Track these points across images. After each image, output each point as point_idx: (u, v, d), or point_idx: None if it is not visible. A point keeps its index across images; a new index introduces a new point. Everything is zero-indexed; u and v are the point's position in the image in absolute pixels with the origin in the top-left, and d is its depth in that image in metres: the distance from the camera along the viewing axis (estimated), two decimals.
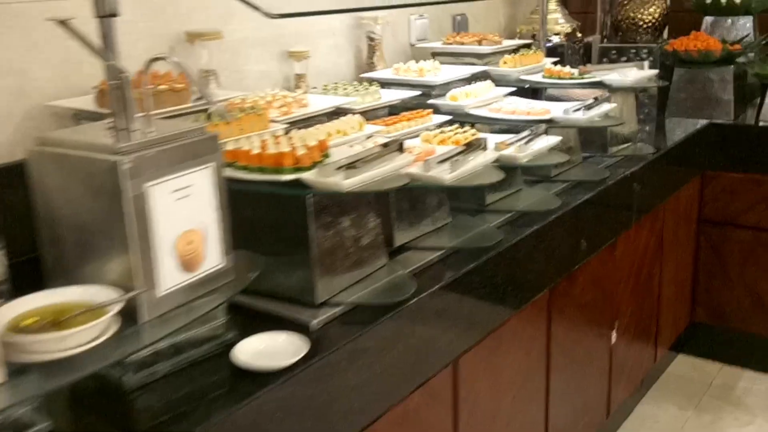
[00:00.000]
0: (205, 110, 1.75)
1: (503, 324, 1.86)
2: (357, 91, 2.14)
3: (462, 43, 2.68)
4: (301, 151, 1.47)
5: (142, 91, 1.28)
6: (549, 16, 3.31)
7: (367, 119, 2.10)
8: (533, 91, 2.60)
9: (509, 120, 2.23)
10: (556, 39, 3.18)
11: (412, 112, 2.18)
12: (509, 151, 1.93)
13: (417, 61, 2.48)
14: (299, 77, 2.31)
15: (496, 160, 1.90)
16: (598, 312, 2.38)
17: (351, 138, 1.87)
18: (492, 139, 2.03)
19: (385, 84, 2.44)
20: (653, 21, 3.32)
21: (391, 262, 1.64)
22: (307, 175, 1.41)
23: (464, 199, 1.97)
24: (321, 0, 2.19)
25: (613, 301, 2.46)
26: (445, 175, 1.63)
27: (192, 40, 1.96)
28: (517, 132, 2.06)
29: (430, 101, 2.32)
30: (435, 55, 2.71)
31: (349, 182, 1.38)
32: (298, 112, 1.89)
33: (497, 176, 1.71)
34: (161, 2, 1.96)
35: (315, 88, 2.22)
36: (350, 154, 1.51)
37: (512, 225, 1.93)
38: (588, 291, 2.28)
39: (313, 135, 1.77)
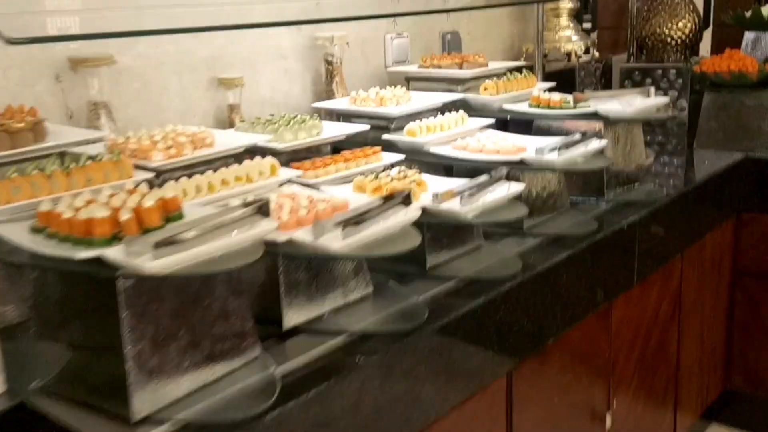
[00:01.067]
0: (59, 155, 1.44)
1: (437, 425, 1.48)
2: (288, 125, 1.79)
3: (439, 66, 2.31)
4: (125, 216, 1.13)
5: None
6: (560, 33, 2.91)
7: (299, 159, 1.76)
8: (526, 124, 2.21)
9: (472, 160, 1.85)
10: (584, 58, 2.78)
11: (354, 150, 1.82)
12: (450, 205, 1.55)
13: (389, 88, 2.12)
14: (232, 108, 1.98)
15: (434, 216, 1.53)
16: (583, 393, 1.96)
17: (250, 188, 1.53)
18: (440, 185, 1.66)
19: (341, 115, 2.09)
20: (683, 37, 2.87)
21: (269, 353, 1.28)
22: (112, 252, 1.07)
23: (398, 261, 1.60)
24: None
25: (606, 379, 2.04)
26: (335, 242, 1.26)
27: (75, 67, 1.65)
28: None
29: (385, 136, 1.96)
30: (409, 80, 2.35)
31: (159, 264, 1.03)
32: (190, 155, 1.55)
33: (409, 243, 1.34)
34: (41, 21, 1.65)
35: (243, 121, 1.88)
36: (202, 216, 1.17)
37: (457, 295, 1.55)
38: (568, 370, 1.87)
39: (191, 185, 1.44)
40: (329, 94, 2.20)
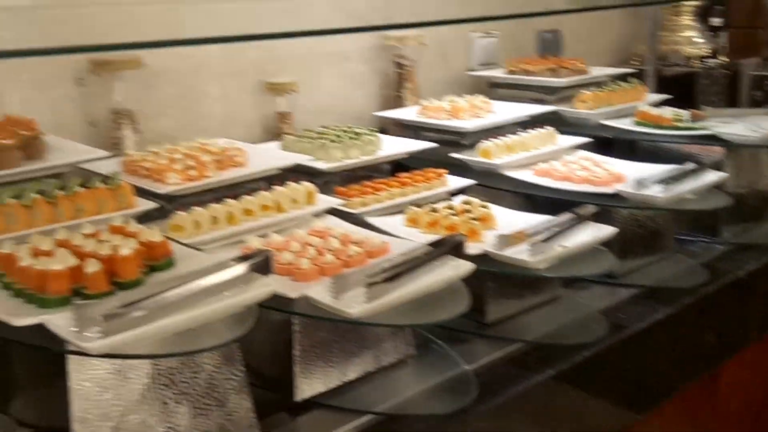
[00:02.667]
0: (55, 177, 1.24)
1: None
2: (339, 140, 1.54)
3: (529, 72, 2.00)
4: (91, 268, 0.91)
5: None
6: (681, 34, 2.53)
7: (355, 180, 1.51)
8: (629, 145, 1.88)
9: (555, 190, 1.55)
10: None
11: (414, 173, 1.55)
12: (518, 252, 1.26)
13: (467, 96, 1.84)
14: (282, 117, 1.74)
15: (497, 264, 1.25)
16: None
17: (278, 220, 1.29)
18: (511, 222, 1.37)
19: (408, 127, 1.83)
20: None
21: None
22: (55, 320, 0.84)
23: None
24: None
25: None
26: (355, 306, 1.00)
27: (96, 70, 1.46)
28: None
29: (455, 155, 1.67)
30: (493, 86, 2.05)
31: (105, 343, 0.79)
32: (212, 178, 1.33)
33: (453, 308, 1.06)
34: (60, 16, 1.46)
35: (288, 135, 1.64)
36: (186, 273, 0.93)
37: (522, 363, 1.26)
38: None
39: (206, 216, 1.21)
40: (398, 102, 1.93)
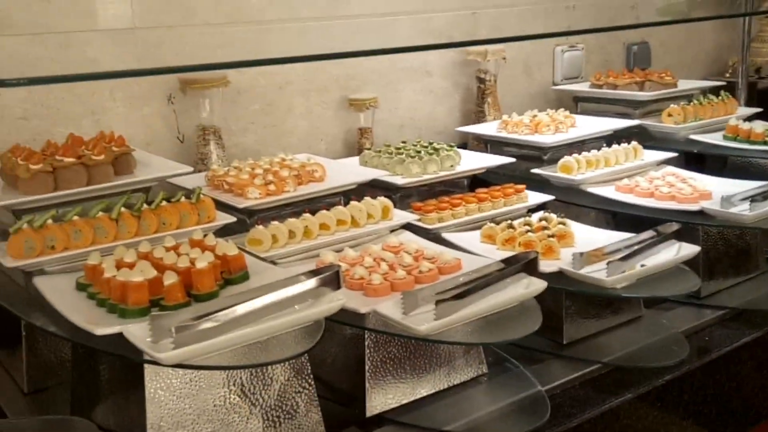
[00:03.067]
0: (143, 191, 1.30)
1: None
2: (418, 155, 1.55)
3: (614, 86, 1.96)
4: (169, 280, 0.95)
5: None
6: None
7: (434, 195, 1.52)
8: (719, 160, 1.81)
9: (637, 207, 1.51)
10: None
11: (492, 189, 1.55)
12: (594, 270, 1.23)
13: (549, 111, 1.82)
14: (363, 132, 1.76)
15: (573, 282, 1.23)
16: None
17: (354, 234, 1.31)
18: (590, 240, 1.35)
19: (488, 143, 1.82)
20: None
21: None
22: (134, 330, 0.88)
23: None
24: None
25: None
26: (424, 322, 1.01)
27: (185, 89, 1.51)
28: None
29: (535, 170, 1.66)
30: (577, 100, 2.02)
31: (176, 354, 0.82)
32: (291, 193, 1.36)
33: (524, 327, 1.05)
34: (153, 38, 1.53)
35: (368, 149, 1.66)
36: (258, 287, 0.96)
37: (598, 385, 1.23)
38: None
39: (283, 230, 1.24)
40: (479, 117, 1.93)
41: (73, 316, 0.93)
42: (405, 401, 1.13)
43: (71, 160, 1.21)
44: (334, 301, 0.94)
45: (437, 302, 1.01)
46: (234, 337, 0.86)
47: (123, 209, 1.15)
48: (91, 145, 1.27)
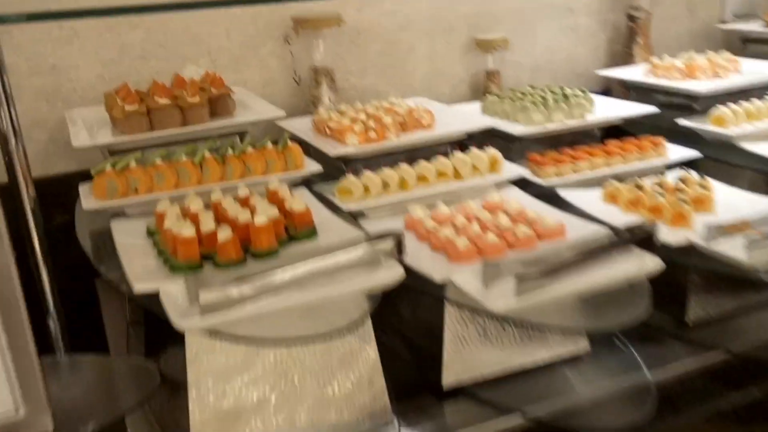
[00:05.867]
0: (238, 135, 1.26)
1: None
2: (544, 101, 1.40)
3: None
4: (223, 235, 0.90)
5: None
6: None
7: (552, 148, 1.38)
8: None
9: None
10: None
11: (626, 141, 1.37)
12: (730, 247, 1.05)
13: (710, 54, 1.59)
14: (491, 76, 1.63)
15: (703, 258, 1.06)
16: None
17: (454, 187, 1.20)
18: (734, 207, 1.16)
19: (632, 88, 1.62)
20: None
21: (419, 416, 0.97)
22: (169, 289, 0.84)
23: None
24: None
25: None
26: (501, 299, 0.89)
27: (297, 29, 1.45)
28: None
29: (683, 122, 1.46)
30: (747, 42, 1.75)
31: (194, 323, 0.77)
32: (392, 141, 1.27)
33: (629, 312, 0.91)
34: None
35: (494, 95, 1.52)
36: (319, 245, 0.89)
37: (720, 374, 1.06)
38: None
39: (376, 181, 1.16)
40: (628, 59, 1.73)
41: (128, 264, 0.91)
42: (487, 376, 1.03)
43: (166, 101, 1.19)
44: (388, 273, 0.85)
45: (519, 278, 0.90)
46: (264, 305, 0.79)
47: (207, 154, 1.12)
48: (190, 86, 1.24)
